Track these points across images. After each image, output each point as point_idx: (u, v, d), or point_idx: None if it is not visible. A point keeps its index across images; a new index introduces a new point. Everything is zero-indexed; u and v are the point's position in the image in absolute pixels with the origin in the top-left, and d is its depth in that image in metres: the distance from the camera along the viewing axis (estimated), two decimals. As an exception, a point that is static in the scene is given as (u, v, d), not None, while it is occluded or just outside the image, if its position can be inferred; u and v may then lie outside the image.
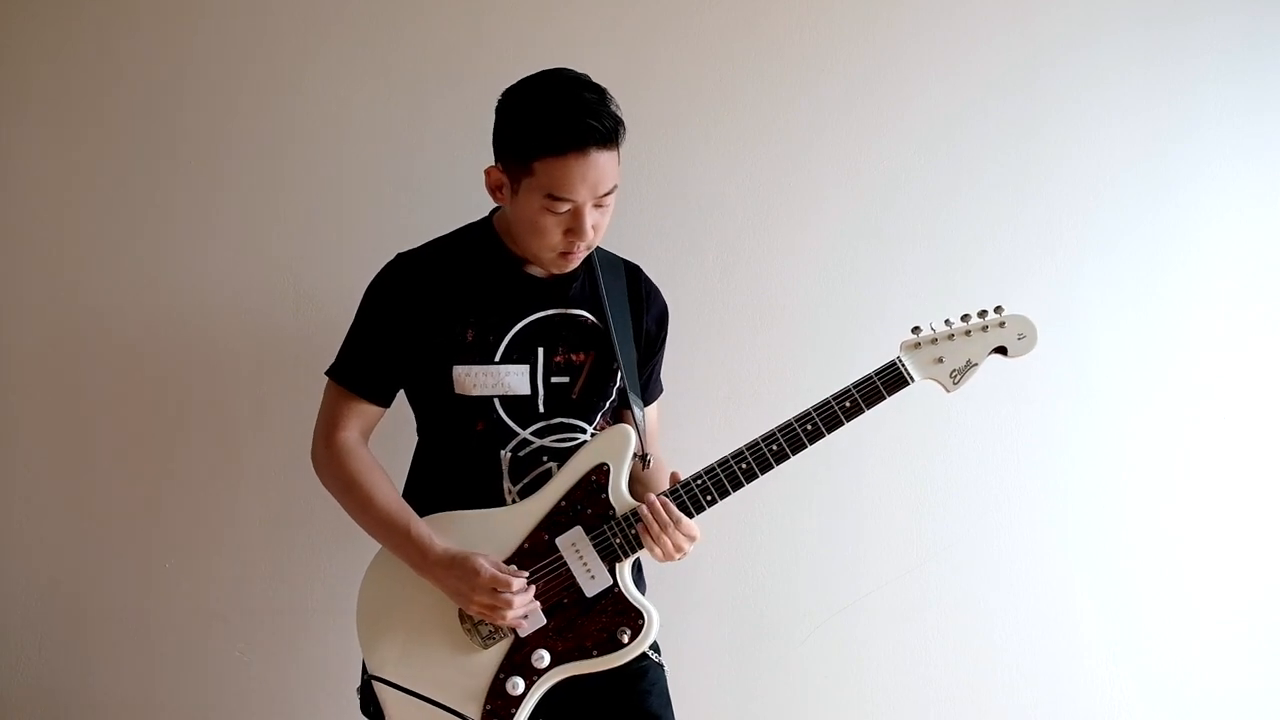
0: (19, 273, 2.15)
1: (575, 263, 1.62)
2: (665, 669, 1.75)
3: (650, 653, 1.70)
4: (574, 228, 1.56)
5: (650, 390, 1.82)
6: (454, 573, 1.56)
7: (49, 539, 2.18)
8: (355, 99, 2.11)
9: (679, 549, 1.61)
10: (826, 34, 2.12)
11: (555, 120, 1.51)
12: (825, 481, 2.16)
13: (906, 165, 2.13)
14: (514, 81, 1.60)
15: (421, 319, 1.63)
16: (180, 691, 2.18)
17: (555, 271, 1.65)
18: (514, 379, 1.64)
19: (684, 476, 1.63)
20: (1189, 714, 2.19)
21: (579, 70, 1.59)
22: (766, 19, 2.12)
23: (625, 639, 1.60)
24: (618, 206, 1.60)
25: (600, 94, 1.55)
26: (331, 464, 1.66)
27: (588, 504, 1.62)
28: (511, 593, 1.54)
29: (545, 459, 1.66)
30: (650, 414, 1.81)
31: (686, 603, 2.16)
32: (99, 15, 2.11)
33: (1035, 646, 2.19)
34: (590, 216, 1.55)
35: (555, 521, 1.62)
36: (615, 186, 1.57)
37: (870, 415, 2.09)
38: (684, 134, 2.12)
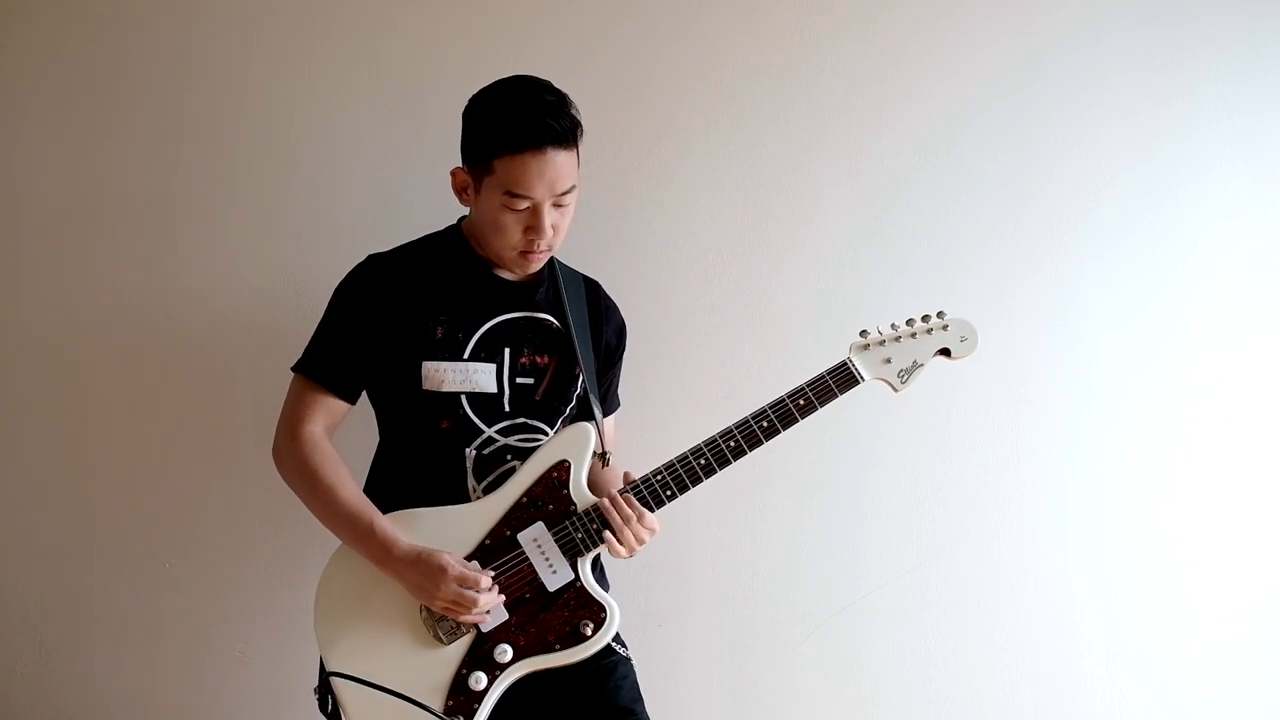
0: (19, 273, 2.15)
1: (538, 263, 1.67)
2: (633, 662, 1.76)
3: (617, 646, 1.72)
4: (533, 225, 1.61)
5: (608, 403, 1.86)
6: (418, 569, 1.57)
7: (49, 538, 2.18)
8: (354, 99, 2.11)
9: (640, 541, 1.64)
10: (826, 34, 2.12)
11: (514, 120, 1.57)
12: (825, 482, 2.16)
13: (906, 165, 2.13)
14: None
15: (392, 314, 1.66)
16: (180, 691, 2.18)
17: (519, 272, 1.70)
18: (481, 376, 1.67)
19: (644, 474, 1.66)
20: (1189, 714, 2.19)
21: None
22: (766, 19, 2.12)
23: (588, 632, 1.61)
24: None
25: (560, 97, 1.61)
26: (296, 456, 1.66)
27: (549, 500, 1.64)
28: (478, 591, 1.56)
29: (509, 457, 1.68)
30: (608, 425, 1.85)
31: (686, 603, 2.16)
32: (99, 15, 2.11)
33: (1035, 646, 2.19)
34: (549, 216, 1.60)
35: (517, 517, 1.64)
36: (574, 187, 1.62)
37: (870, 416, 2.11)
38: (684, 134, 2.12)
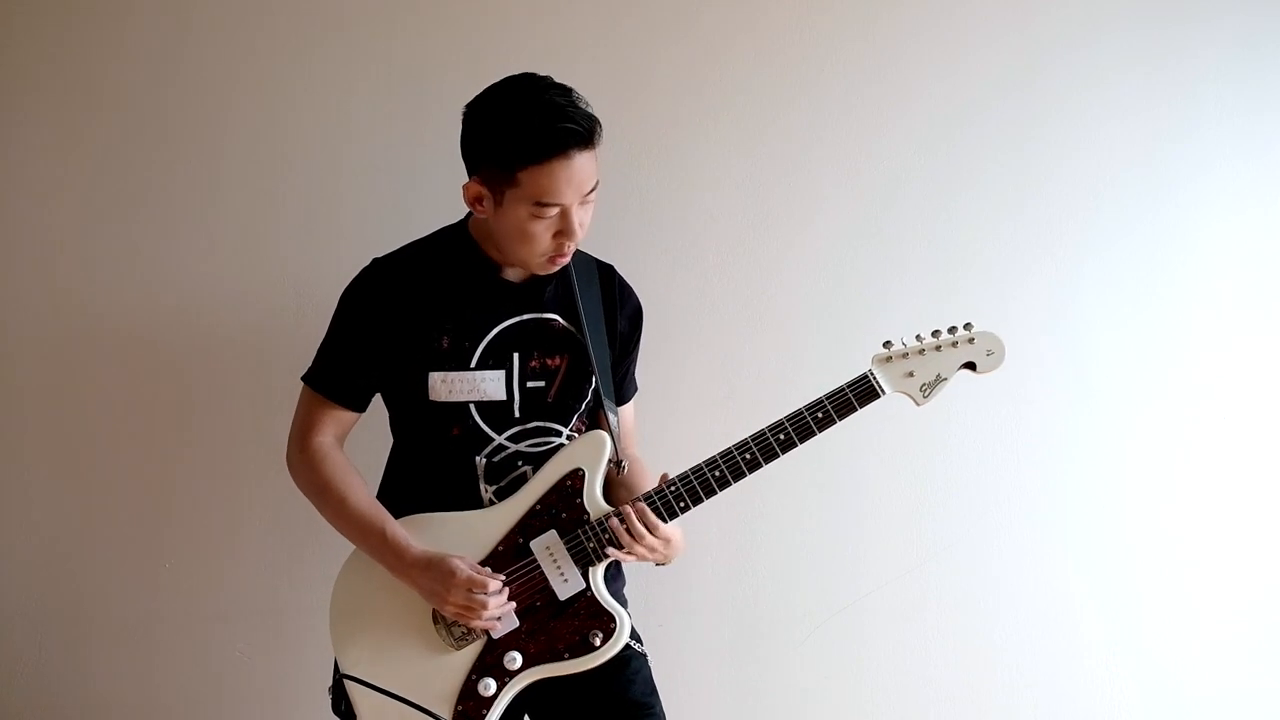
0: (21, 273, 2.15)
1: (563, 264, 1.64)
2: (648, 658, 1.75)
3: (632, 642, 1.71)
4: (563, 229, 1.57)
5: (625, 389, 1.83)
6: (430, 574, 1.57)
7: (49, 539, 2.18)
8: (355, 98, 2.11)
9: (653, 550, 1.62)
10: (826, 34, 2.12)
11: (533, 128, 1.51)
12: (825, 482, 2.16)
13: (906, 165, 2.13)
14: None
15: (397, 326, 1.64)
16: (180, 691, 2.18)
17: (541, 274, 1.66)
18: (490, 385, 1.65)
19: (657, 485, 1.64)
20: (1189, 714, 2.19)
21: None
22: (766, 19, 2.12)
23: (597, 642, 1.61)
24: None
25: (567, 94, 1.56)
26: (306, 468, 1.68)
27: (562, 508, 1.64)
28: (487, 594, 1.56)
29: (520, 464, 1.67)
30: (626, 413, 1.84)
31: (687, 603, 2.17)
32: (98, 14, 2.11)
33: (1035, 646, 2.19)
34: (577, 215, 1.57)
35: (530, 525, 1.63)
36: (598, 183, 1.58)
37: (870, 415, 2.10)
38: (684, 134, 2.12)
